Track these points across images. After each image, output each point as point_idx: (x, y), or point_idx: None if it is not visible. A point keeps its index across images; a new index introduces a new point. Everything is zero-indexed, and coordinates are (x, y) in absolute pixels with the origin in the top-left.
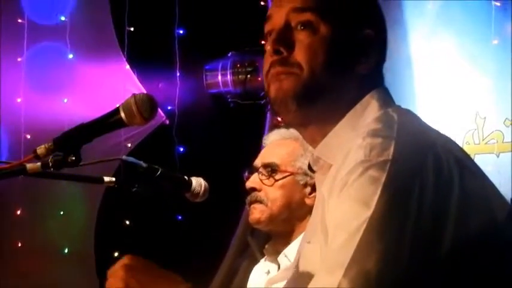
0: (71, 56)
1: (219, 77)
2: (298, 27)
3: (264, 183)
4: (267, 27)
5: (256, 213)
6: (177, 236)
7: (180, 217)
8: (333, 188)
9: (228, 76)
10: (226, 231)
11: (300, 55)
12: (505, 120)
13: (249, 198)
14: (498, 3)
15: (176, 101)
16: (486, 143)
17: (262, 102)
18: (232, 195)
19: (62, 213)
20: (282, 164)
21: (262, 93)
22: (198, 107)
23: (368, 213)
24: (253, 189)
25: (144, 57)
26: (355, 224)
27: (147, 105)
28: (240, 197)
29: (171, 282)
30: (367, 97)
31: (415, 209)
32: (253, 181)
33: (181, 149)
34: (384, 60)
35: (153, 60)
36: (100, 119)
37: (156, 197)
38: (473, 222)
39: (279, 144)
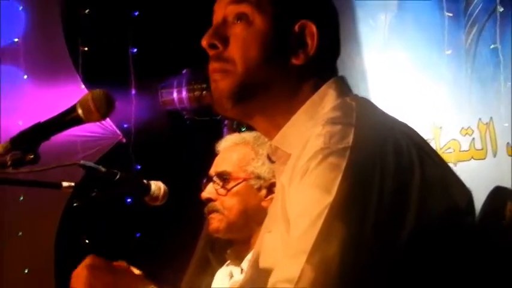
0: (25, 77)
1: (175, 94)
2: (234, 20)
3: (218, 193)
4: (213, 23)
5: (215, 223)
6: (136, 253)
7: (138, 234)
8: (292, 176)
9: (183, 93)
10: (185, 248)
11: (233, 50)
12: (461, 129)
13: (206, 209)
14: (451, 14)
15: (132, 119)
16: (443, 153)
17: (218, 118)
18: (190, 211)
19: (20, 233)
20: (234, 171)
21: None
22: (155, 124)
23: (329, 199)
24: (209, 200)
25: (99, 77)
26: (316, 211)
27: (103, 101)
28: (199, 213)
29: (135, 282)
30: (324, 87)
31: (376, 195)
32: (208, 191)
33: (139, 167)
34: (331, 50)
35: (108, 79)
36: (57, 117)
37: (116, 207)
38: (434, 208)
39: (230, 151)
